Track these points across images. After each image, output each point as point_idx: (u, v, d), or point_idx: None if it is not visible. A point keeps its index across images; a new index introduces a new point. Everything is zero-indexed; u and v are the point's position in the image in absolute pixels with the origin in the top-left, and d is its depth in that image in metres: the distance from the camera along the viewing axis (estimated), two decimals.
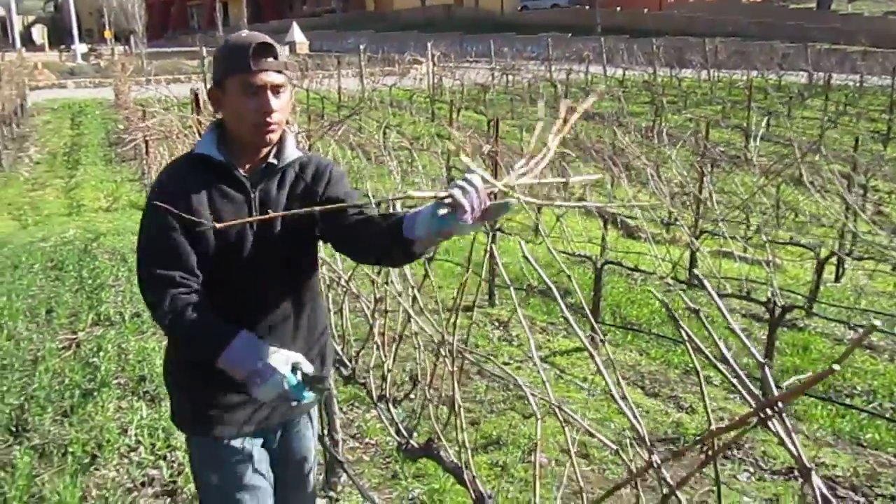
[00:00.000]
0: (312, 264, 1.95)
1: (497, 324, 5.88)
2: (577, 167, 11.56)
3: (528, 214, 9.40)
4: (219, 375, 1.70)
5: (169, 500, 2.97)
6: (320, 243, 1.97)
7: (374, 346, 2.21)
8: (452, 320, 1.66)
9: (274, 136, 1.78)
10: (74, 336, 4.93)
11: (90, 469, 3.25)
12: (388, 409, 2.07)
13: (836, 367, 0.83)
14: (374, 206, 1.80)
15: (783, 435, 0.95)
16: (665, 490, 1.10)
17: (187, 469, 3.17)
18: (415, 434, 2.03)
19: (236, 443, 1.87)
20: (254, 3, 53.49)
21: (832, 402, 4.41)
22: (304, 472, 2.05)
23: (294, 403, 1.69)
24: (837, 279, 7.89)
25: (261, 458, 1.93)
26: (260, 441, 1.93)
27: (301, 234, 1.85)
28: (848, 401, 4.57)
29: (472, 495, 1.70)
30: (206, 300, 1.73)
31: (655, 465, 1.07)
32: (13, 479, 3.05)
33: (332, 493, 3.06)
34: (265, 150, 1.81)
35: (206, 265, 1.76)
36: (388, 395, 2.10)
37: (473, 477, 1.70)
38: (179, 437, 3.20)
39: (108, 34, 48.32)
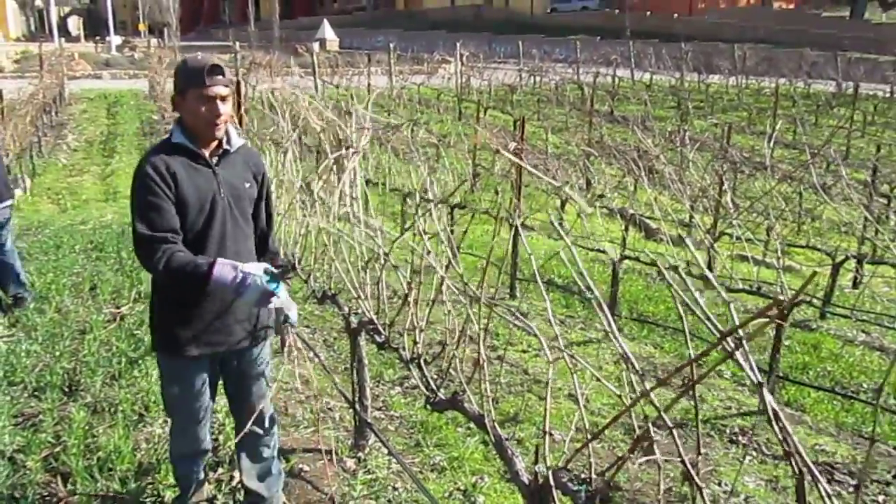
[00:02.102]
0: (253, 228, 2.64)
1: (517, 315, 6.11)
2: (601, 168, 11.75)
3: (552, 213, 9.62)
4: (192, 308, 2.43)
5: (210, 455, 3.23)
6: None
7: (409, 313, 2.45)
8: (480, 281, 1.89)
9: (220, 132, 2.45)
10: (118, 310, 5.24)
11: (138, 426, 3.53)
12: (420, 367, 2.32)
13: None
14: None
15: (743, 363, 1.18)
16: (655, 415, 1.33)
17: (228, 427, 3.44)
18: (441, 390, 2.27)
19: (199, 361, 2.53)
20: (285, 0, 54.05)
21: (836, 393, 4.59)
22: (261, 390, 2.69)
23: (271, 306, 2.34)
24: (855, 285, 8.00)
25: (213, 376, 2.63)
26: (216, 362, 2.60)
27: (247, 203, 2.58)
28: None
29: (493, 439, 1.93)
30: (188, 249, 2.37)
31: (646, 392, 1.30)
32: (71, 430, 3.34)
33: (360, 454, 3.31)
34: (217, 141, 2.48)
35: (188, 223, 2.40)
36: (419, 354, 2.35)
37: (494, 423, 1.93)
38: (220, 401, 3.47)
39: (141, 27, 49.17)
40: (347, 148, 3.87)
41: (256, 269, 2.30)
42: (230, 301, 2.44)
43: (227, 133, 2.51)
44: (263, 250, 2.68)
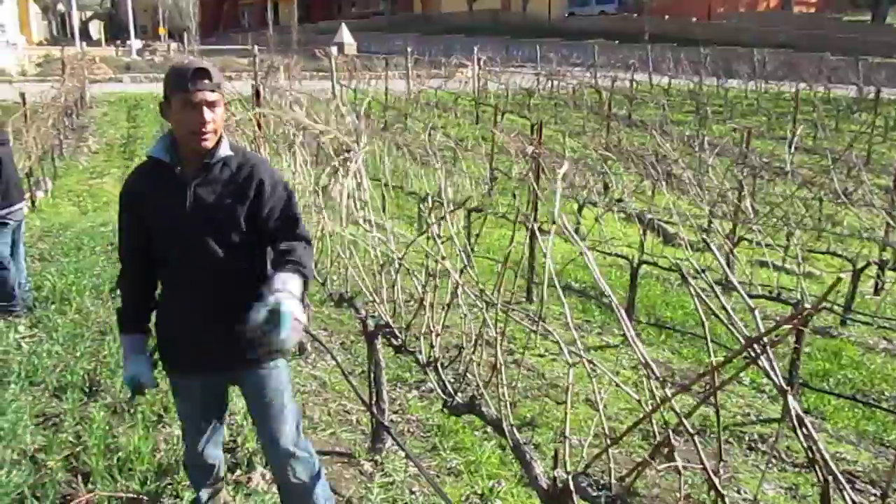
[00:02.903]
0: (238, 249, 2.33)
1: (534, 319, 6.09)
2: (619, 172, 11.70)
3: (570, 217, 9.59)
4: (177, 330, 2.38)
5: (228, 455, 3.25)
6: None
7: (424, 317, 2.45)
8: (496, 285, 1.89)
9: (208, 143, 2.24)
10: None
11: (157, 426, 3.56)
12: (437, 371, 2.32)
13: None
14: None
15: (768, 368, 1.17)
16: (676, 421, 1.32)
17: (246, 429, 3.46)
18: (459, 394, 2.27)
19: (187, 379, 2.46)
20: (303, 4, 54.40)
21: (857, 401, 4.54)
22: (275, 409, 2.47)
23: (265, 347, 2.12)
24: (877, 292, 7.91)
25: (220, 395, 2.57)
26: (213, 379, 2.48)
27: (226, 222, 2.29)
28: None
29: (511, 443, 1.93)
30: (139, 280, 2.41)
31: (668, 397, 1.30)
32: (91, 430, 3.37)
33: (377, 458, 3.32)
34: (203, 152, 2.27)
35: (159, 246, 2.32)
36: (436, 357, 2.35)
37: (511, 427, 1.93)
38: (237, 402, 3.49)
39: (162, 31, 49.64)
40: (347, 151, 3.88)
41: (128, 372, 2.40)
42: (208, 325, 2.31)
43: (218, 142, 2.29)
44: (282, 262, 2.25)
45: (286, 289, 2.09)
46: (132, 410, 3.69)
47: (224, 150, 2.30)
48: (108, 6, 74.59)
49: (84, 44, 37.22)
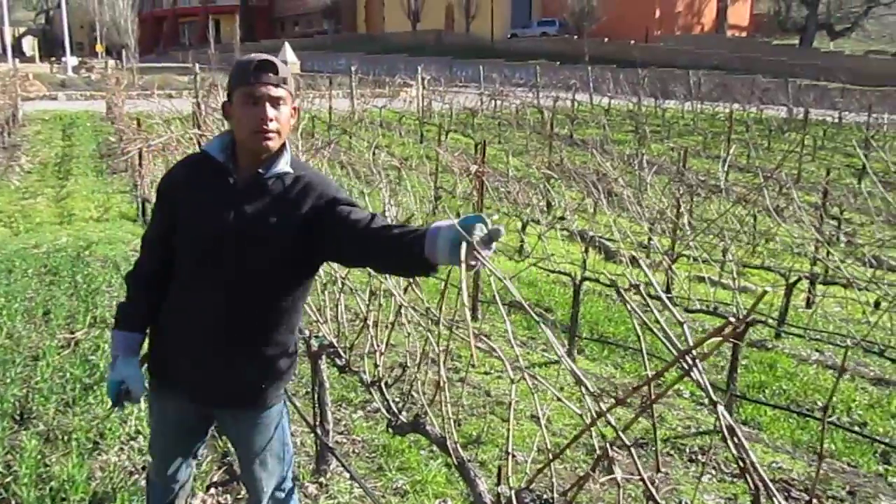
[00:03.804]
0: (279, 282, 2.07)
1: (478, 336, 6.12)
2: (561, 190, 11.89)
3: (513, 236, 9.68)
4: (170, 347, 2.14)
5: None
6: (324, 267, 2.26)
7: (368, 336, 2.45)
8: (439, 303, 1.90)
9: (272, 144, 1.99)
10: (73, 335, 5.12)
11: (93, 454, 3.45)
12: (381, 391, 2.31)
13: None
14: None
15: (701, 380, 1.21)
16: (612, 435, 1.35)
17: None
18: (403, 413, 2.26)
19: (172, 401, 2.20)
20: (246, 22, 53.96)
21: (791, 411, 4.68)
22: (262, 460, 2.23)
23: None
24: (809, 306, 8.20)
25: (190, 424, 2.27)
26: (200, 410, 2.22)
27: (271, 242, 2.01)
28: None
29: (455, 461, 1.94)
30: (152, 275, 2.13)
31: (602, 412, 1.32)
32: (22, 459, 3.24)
33: (321, 480, 3.28)
34: (263, 159, 2.03)
35: (186, 252, 2.06)
36: (380, 377, 2.34)
37: (456, 445, 1.94)
38: None
39: (99, 48, 48.56)
40: None
41: (117, 377, 2.11)
42: (211, 354, 2.08)
43: (279, 152, 2.05)
44: (407, 239, 1.82)
45: (448, 223, 1.71)
46: (67, 438, 3.56)
47: (283, 166, 2.04)
48: (43, 22, 72.72)
49: (17, 60, 36.16)
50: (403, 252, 1.81)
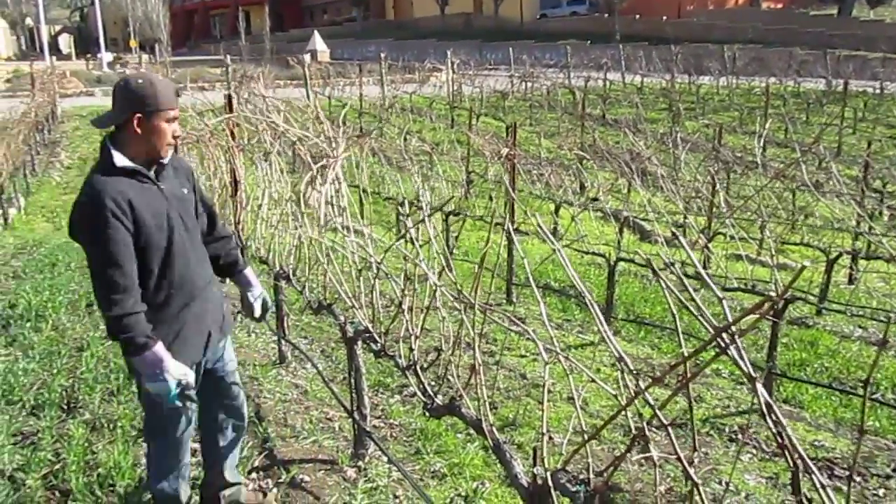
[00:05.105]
0: (200, 227, 2.71)
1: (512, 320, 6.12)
2: (594, 171, 11.79)
3: (547, 218, 9.64)
4: (182, 317, 2.52)
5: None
6: None
7: (403, 321, 2.46)
8: (473, 286, 1.90)
9: (171, 150, 2.54)
10: None
11: (138, 441, 3.53)
12: (416, 374, 2.32)
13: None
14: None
15: (737, 357, 1.19)
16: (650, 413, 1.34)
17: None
18: (439, 396, 2.27)
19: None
20: (275, 12, 54.19)
21: (833, 389, 4.60)
22: (236, 381, 2.87)
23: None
24: (851, 282, 8.04)
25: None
26: (209, 355, 2.67)
27: (193, 207, 2.64)
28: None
29: (491, 443, 1.94)
30: (156, 269, 2.45)
31: (641, 389, 1.31)
32: (70, 447, 3.34)
33: (360, 464, 3.31)
34: (164, 157, 2.51)
35: (152, 245, 2.41)
36: (415, 360, 2.36)
37: (491, 427, 1.94)
38: None
39: (133, 43, 49.25)
40: (325, 157, 3.88)
41: (173, 377, 2.34)
42: (204, 309, 2.59)
43: None
44: (215, 239, 2.78)
45: (258, 282, 2.87)
46: (112, 426, 3.65)
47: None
48: (78, 20, 73.93)
49: (54, 58, 36.86)
50: (222, 257, 2.84)
